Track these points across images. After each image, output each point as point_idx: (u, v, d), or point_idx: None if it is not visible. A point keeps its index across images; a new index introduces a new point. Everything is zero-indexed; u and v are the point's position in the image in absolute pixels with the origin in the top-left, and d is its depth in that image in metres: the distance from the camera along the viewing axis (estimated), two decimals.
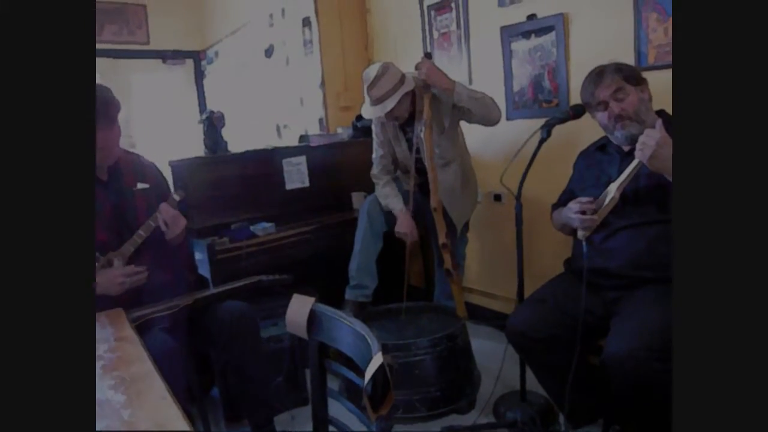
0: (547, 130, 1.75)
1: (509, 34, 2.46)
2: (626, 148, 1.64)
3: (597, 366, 1.63)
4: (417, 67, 2.17)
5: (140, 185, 1.76)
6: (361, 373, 1.03)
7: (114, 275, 1.61)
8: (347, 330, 1.04)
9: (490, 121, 2.19)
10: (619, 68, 1.60)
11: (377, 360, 0.86)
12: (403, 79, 2.21)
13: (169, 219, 1.66)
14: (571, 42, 2.22)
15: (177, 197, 1.72)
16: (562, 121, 1.76)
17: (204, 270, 2.33)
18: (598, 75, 1.62)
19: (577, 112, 1.75)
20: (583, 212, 1.59)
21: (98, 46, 4.66)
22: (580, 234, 1.62)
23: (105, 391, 0.95)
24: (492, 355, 2.40)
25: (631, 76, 1.59)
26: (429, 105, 2.16)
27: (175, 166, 2.47)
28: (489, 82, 2.60)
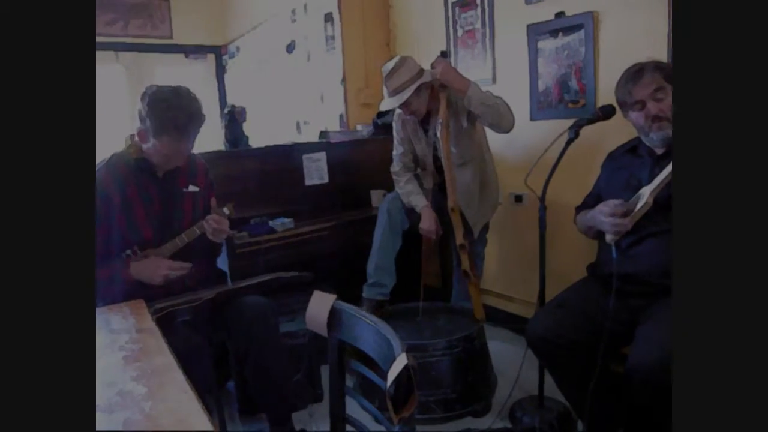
0: (575, 130, 1.71)
1: (536, 32, 2.42)
2: (659, 151, 1.59)
3: (619, 374, 1.60)
4: (432, 66, 2.15)
5: (191, 187, 1.80)
6: (378, 372, 1.01)
7: (160, 265, 1.65)
8: (369, 329, 1.02)
9: (500, 128, 2.14)
10: (659, 66, 1.55)
11: (401, 361, 0.84)
12: (421, 72, 2.19)
13: (211, 229, 1.70)
14: (601, 41, 2.18)
15: (226, 211, 1.76)
16: (591, 121, 1.72)
17: (222, 263, 2.32)
18: (636, 73, 1.57)
19: (606, 113, 1.71)
20: (615, 215, 1.55)
21: (123, 39, 4.72)
22: (609, 238, 1.58)
23: (127, 382, 0.95)
24: (509, 358, 2.37)
25: (671, 75, 1.53)
26: (446, 104, 2.14)
27: None
28: (513, 81, 2.57)
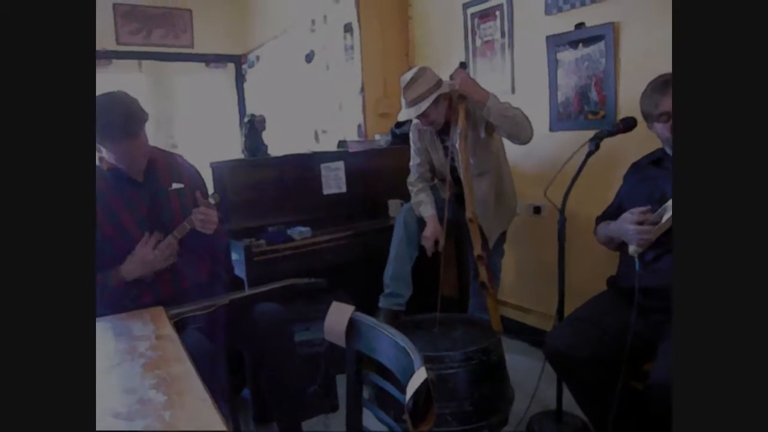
0: (595, 143, 1.69)
1: (555, 43, 2.41)
2: None
3: (639, 391, 1.57)
4: (451, 77, 2.15)
5: (175, 185, 1.79)
6: (394, 382, 1.01)
7: (145, 253, 1.64)
8: (388, 341, 1.02)
9: (519, 139, 2.14)
10: None
11: (420, 375, 0.84)
12: (439, 83, 2.19)
13: (198, 221, 1.68)
14: (622, 52, 2.16)
15: (212, 200, 1.74)
16: (612, 134, 1.71)
17: (240, 271, 2.34)
18: (663, 84, 1.55)
19: (627, 125, 1.70)
20: (640, 223, 1.52)
21: (146, 48, 4.81)
22: (632, 250, 1.56)
23: (147, 390, 0.96)
24: (526, 371, 2.34)
25: None
26: (464, 115, 2.13)
27: (215, 168, 2.51)
28: (533, 92, 2.56)
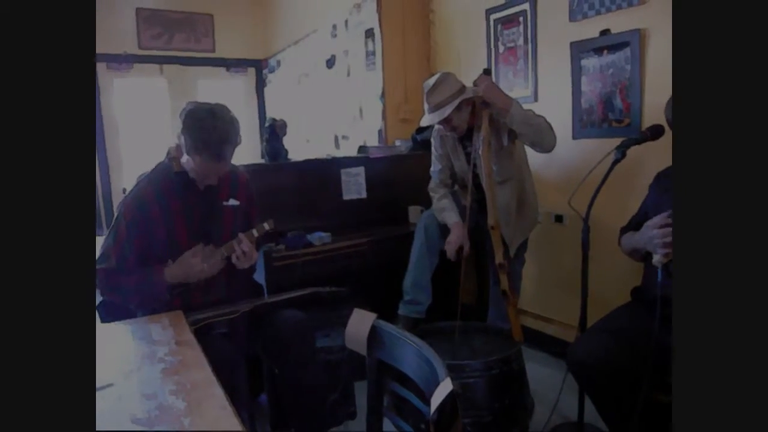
0: (622, 151, 1.66)
1: (580, 49, 2.38)
2: None
3: (664, 404, 1.52)
4: (475, 84, 2.13)
5: (232, 201, 1.80)
6: (414, 391, 0.99)
7: (193, 261, 1.65)
8: (411, 351, 1.00)
9: (542, 147, 2.11)
10: None
11: (446, 386, 0.82)
12: (462, 89, 2.17)
13: (240, 254, 1.70)
14: (648, 59, 2.12)
15: (267, 226, 1.75)
16: (639, 142, 1.67)
17: (259, 276, 2.34)
18: None
19: (655, 133, 1.66)
20: (664, 227, 1.48)
21: (168, 52, 4.88)
22: (656, 260, 1.52)
23: (166, 396, 0.95)
24: (547, 382, 2.30)
25: None
26: (487, 122, 2.11)
27: None
28: (556, 99, 2.53)
